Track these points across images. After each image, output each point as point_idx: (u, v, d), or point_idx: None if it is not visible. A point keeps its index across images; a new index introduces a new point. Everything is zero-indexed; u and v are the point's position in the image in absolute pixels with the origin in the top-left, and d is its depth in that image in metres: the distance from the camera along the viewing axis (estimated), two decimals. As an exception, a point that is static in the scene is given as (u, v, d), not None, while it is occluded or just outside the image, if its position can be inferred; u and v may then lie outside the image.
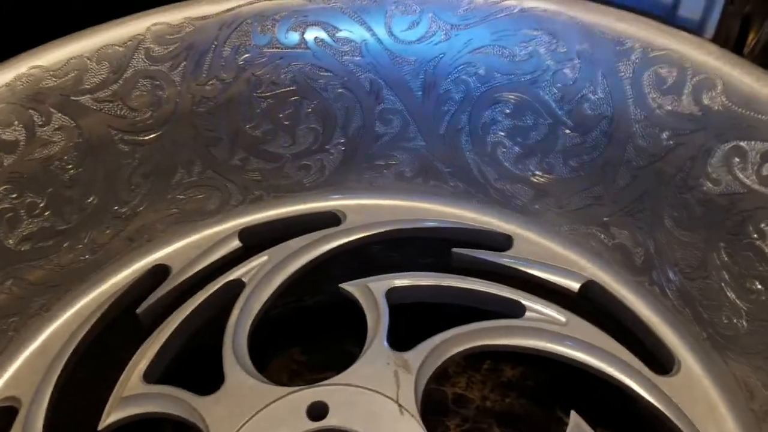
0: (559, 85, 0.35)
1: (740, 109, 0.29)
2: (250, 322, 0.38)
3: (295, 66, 0.39)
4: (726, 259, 0.30)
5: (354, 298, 0.39)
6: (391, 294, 0.38)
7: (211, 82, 0.38)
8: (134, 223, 0.41)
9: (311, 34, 0.38)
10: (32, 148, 0.35)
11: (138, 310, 0.39)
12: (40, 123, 0.35)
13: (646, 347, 0.35)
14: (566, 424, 0.51)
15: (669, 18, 0.38)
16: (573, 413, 0.32)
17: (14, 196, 0.35)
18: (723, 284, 0.31)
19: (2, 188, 0.34)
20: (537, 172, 0.39)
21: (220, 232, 0.43)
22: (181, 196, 0.42)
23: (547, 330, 0.36)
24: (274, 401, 0.33)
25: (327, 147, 0.42)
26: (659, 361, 0.34)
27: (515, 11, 0.36)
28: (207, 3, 0.37)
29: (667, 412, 0.31)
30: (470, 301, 0.39)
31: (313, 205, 0.44)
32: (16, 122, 0.34)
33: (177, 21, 0.37)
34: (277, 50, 0.38)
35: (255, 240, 0.43)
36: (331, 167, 0.43)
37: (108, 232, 0.40)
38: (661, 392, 0.32)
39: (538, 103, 0.37)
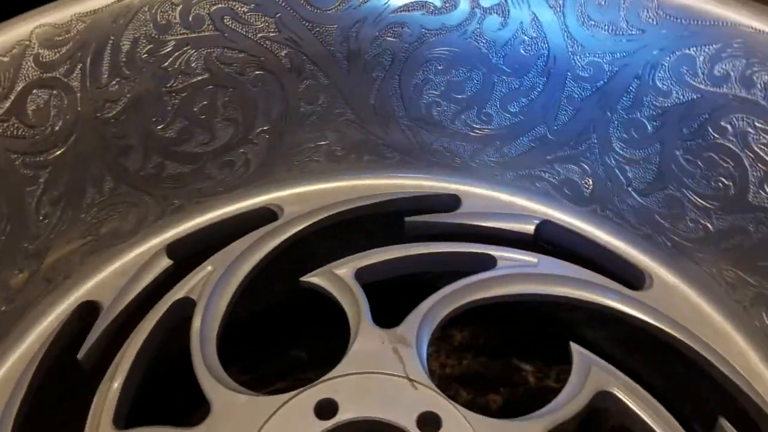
0: (489, 32, 0.35)
1: (680, 20, 0.31)
2: (214, 338, 0.35)
3: (205, 51, 0.36)
4: (686, 165, 0.32)
5: (321, 288, 0.36)
6: (360, 274, 0.36)
7: (113, 82, 0.34)
8: (48, 259, 0.35)
9: (218, 13, 0.35)
10: None
11: (79, 356, 0.34)
12: None
13: (614, 271, 0.36)
14: (524, 371, 0.52)
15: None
16: (572, 344, 0.32)
17: None
18: (684, 190, 0.33)
19: None
20: (475, 126, 0.38)
21: (145, 253, 0.39)
22: (94, 220, 0.37)
23: (524, 273, 0.36)
24: (276, 411, 0.30)
25: (249, 137, 0.39)
26: (630, 280, 0.36)
27: (433, -38, 0.35)
28: (95, -6, 0.33)
29: (655, 322, 0.32)
30: (440, 266, 0.38)
31: (243, 204, 0.41)
32: None
33: (64, 19, 0.32)
34: (183, 36, 0.35)
35: (186, 253, 0.39)
36: (256, 159, 0.40)
37: (22, 275, 0.34)
38: (645, 305, 0.33)
39: (470, 54, 0.36)
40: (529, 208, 0.40)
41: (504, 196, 0.40)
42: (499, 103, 0.37)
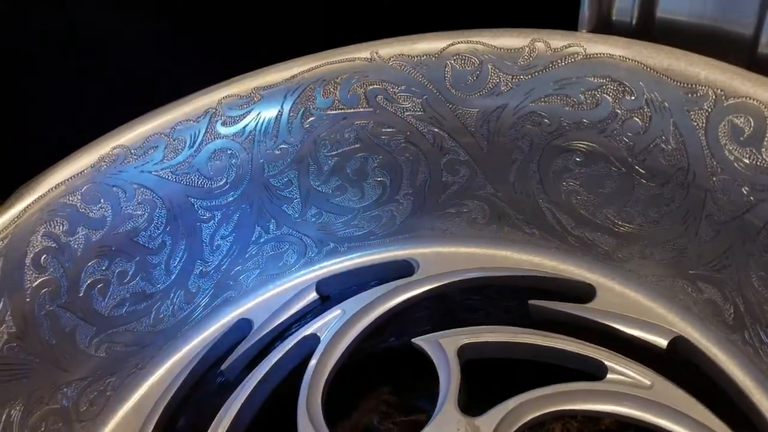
0: (629, 134, 0.33)
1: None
2: (323, 380, 0.39)
3: (358, 124, 0.39)
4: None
5: (426, 353, 0.38)
6: (463, 351, 0.38)
7: (279, 146, 0.40)
8: (218, 280, 0.43)
9: (372, 93, 0.38)
10: (118, 222, 0.37)
11: (223, 367, 0.41)
12: (124, 198, 0.37)
13: (740, 411, 0.32)
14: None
15: (752, 45, 0.34)
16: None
17: (104, 267, 0.37)
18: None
19: (93, 261, 0.37)
20: (617, 221, 0.37)
21: (298, 285, 0.44)
22: (259, 253, 0.43)
23: (630, 394, 0.34)
24: (345, 467, 0.33)
25: (396, 198, 0.42)
26: (755, 428, 0.31)
27: (578, 58, 0.34)
28: (272, 72, 0.39)
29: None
30: (548, 359, 0.37)
31: (386, 255, 0.44)
32: (102, 200, 0.37)
33: (246, 92, 0.39)
34: (340, 111, 0.39)
35: (332, 291, 0.44)
36: (401, 216, 0.43)
37: (194, 290, 0.42)
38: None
39: (609, 152, 0.35)
40: (668, 320, 0.37)
41: (643, 300, 0.38)
42: (640, 205, 0.35)
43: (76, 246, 0.36)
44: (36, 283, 0.35)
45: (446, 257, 0.43)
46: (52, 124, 0.57)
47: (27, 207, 0.35)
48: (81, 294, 0.36)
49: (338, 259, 0.45)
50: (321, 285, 0.44)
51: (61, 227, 0.36)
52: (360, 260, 0.44)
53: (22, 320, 0.34)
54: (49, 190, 0.36)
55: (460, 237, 0.43)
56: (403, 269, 0.43)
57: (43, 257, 0.35)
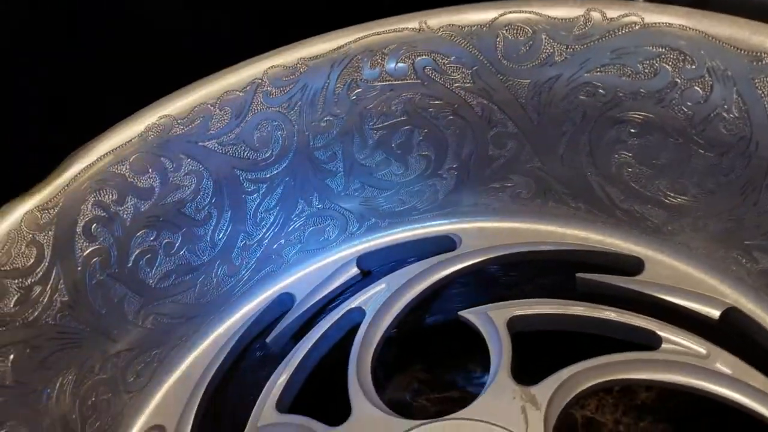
0: (689, 103, 0.33)
1: None
2: (371, 351, 0.39)
3: (405, 96, 0.39)
4: None
5: (474, 326, 0.38)
6: (513, 323, 0.38)
7: (325, 118, 0.39)
8: (260, 253, 0.42)
9: (420, 64, 0.38)
10: (166, 192, 0.37)
11: (267, 339, 0.41)
12: (171, 169, 0.37)
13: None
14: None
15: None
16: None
17: (152, 238, 0.37)
18: None
19: (141, 232, 0.37)
20: (669, 194, 0.36)
21: (339, 260, 0.44)
22: (301, 227, 0.43)
23: (687, 363, 0.34)
24: (401, 435, 0.33)
25: (439, 172, 0.42)
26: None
27: (636, 27, 0.33)
28: (318, 42, 0.38)
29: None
30: (599, 330, 0.37)
31: (428, 230, 0.44)
32: (150, 170, 0.36)
33: (291, 62, 0.38)
34: (387, 83, 0.39)
35: (372, 266, 0.44)
36: (444, 191, 0.43)
37: (237, 263, 0.42)
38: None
39: (666, 123, 0.34)
40: (720, 291, 0.36)
41: (694, 272, 0.37)
42: (696, 175, 0.35)
43: (125, 216, 0.36)
44: (87, 252, 0.35)
45: (489, 232, 0.43)
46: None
47: (77, 175, 0.35)
48: (130, 264, 0.36)
49: (379, 234, 0.44)
50: (362, 260, 0.44)
51: (110, 196, 0.35)
52: (401, 235, 0.44)
53: (73, 288, 0.34)
54: (97, 159, 0.35)
55: (502, 212, 0.43)
56: (444, 245, 0.43)
57: (93, 226, 0.35)
